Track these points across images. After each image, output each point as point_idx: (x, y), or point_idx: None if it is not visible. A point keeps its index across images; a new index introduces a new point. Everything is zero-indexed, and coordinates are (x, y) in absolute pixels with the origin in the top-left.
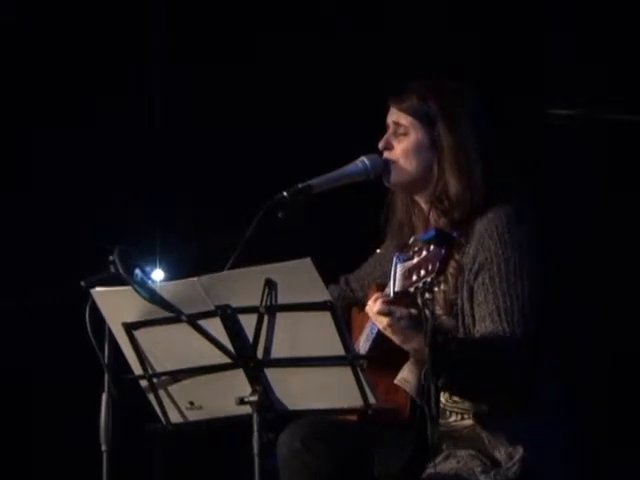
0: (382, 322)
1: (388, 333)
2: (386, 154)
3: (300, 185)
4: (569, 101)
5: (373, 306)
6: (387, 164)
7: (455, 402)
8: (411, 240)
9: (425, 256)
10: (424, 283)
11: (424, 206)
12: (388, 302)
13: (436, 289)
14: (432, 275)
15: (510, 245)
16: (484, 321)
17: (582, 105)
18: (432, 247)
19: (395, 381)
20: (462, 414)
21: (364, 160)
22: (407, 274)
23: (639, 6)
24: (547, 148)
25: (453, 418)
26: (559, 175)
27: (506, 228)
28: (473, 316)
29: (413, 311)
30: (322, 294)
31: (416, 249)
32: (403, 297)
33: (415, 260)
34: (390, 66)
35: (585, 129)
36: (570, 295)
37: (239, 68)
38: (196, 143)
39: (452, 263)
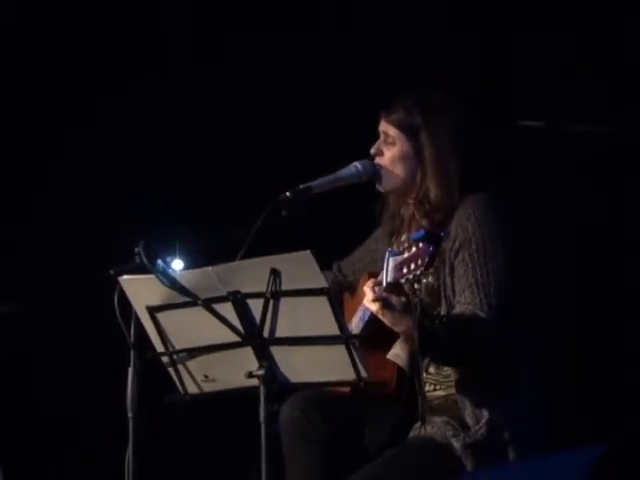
0: (376, 307)
1: (380, 317)
2: (377, 159)
3: (301, 186)
4: (537, 114)
5: (369, 293)
6: (378, 171)
7: (430, 374)
8: (403, 237)
9: (415, 252)
10: (414, 276)
11: (411, 204)
12: (381, 290)
13: (424, 281)
14: (421, 269)
15: (486, 226)
16: (464, 292)
17: (550, 117)
18: (421, 245)
19: (388, 356)
20: (435, 385)
21: (357, 165)
22: (398, 267)
23: (604, 22)
24: (518, 155)
25: (427, 388)
26: (529, 179)
27: (482, 212)
28: (453, 290)
29: (403, 299)
30: (320, 281)
31: (407, 245)
32: (394, 287)
33: (406, 255)
34: (373, 79)
35: (553, 139)
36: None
37: (251, 68)
38: (213, 148)
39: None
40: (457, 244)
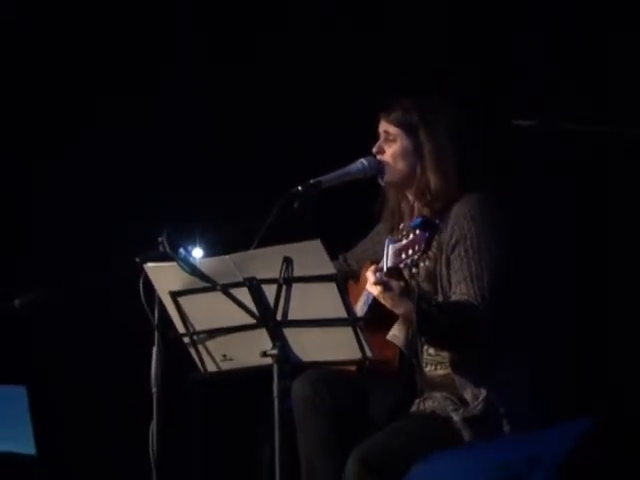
0: (377, 290)
1: (381, 299)
2: (379, 157)
3: (312, 181)
4: (537, 114)
5: (370, 278)
6: (382, 167)
7: (430, 355)
8: (401, 226)
9: (412, 239)
10: (411, 260)
11: (410, 198)
12: (382, 275)
13: (421, 265)
14: (418, 254)
15: (481, 224)
16: (460, 284)
17: (549, 117)
18: (418, 231)
19: (387, 337)
20: (436, 365)
21: (363, 161)
22: (397, 253)
23: (604, 22)
24: (518, 155)
25: (428, 368)
26: (529, 179)
27: (477, 210)
28: (449, 281)
29: (402, 283)
30: (329, 268)
31: (405, 233)
32: (394, 271)
33: (404, 242)
34: (373, 79)
35: (553, 139)
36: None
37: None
38: (212, 148)
39: (434, 243)
40: (454, 240)
